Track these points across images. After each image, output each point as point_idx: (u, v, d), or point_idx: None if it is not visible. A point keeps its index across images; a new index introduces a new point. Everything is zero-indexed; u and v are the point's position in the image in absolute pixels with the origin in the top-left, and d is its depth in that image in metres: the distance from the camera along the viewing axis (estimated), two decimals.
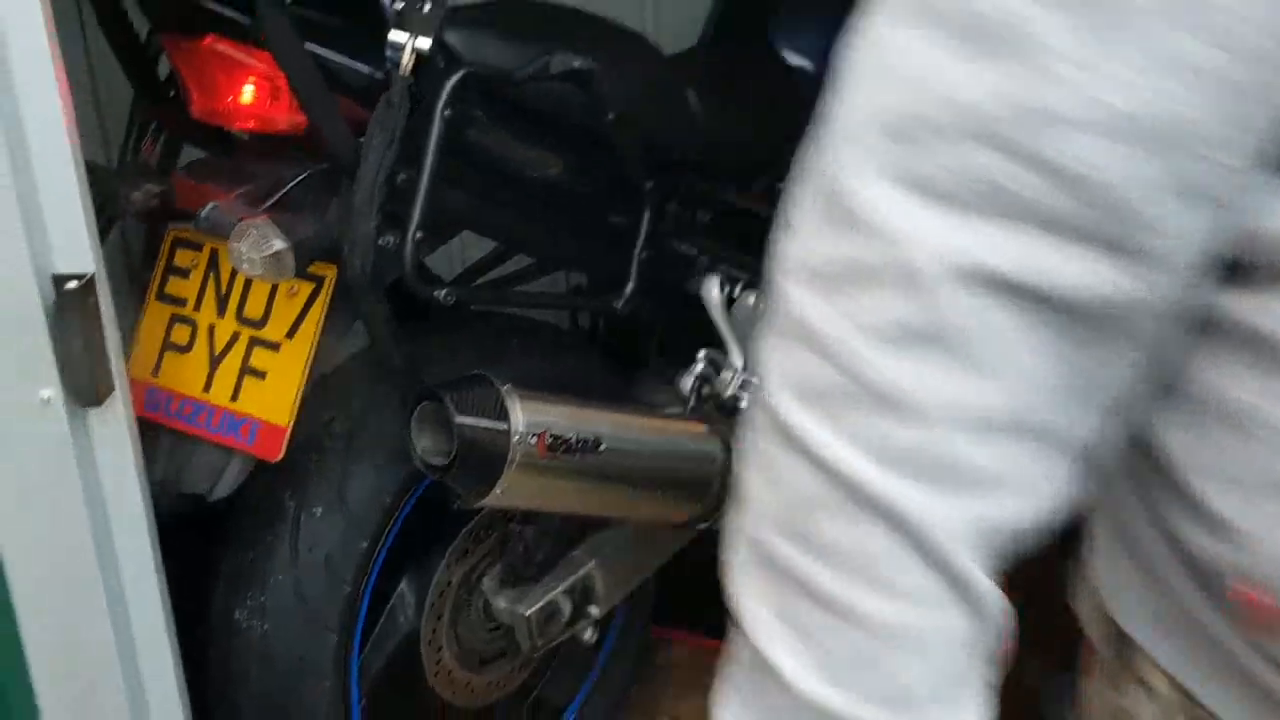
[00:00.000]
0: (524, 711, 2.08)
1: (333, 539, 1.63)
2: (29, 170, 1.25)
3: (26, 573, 1.37)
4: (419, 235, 1.46)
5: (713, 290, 1.92)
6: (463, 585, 1.85)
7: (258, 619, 1.64)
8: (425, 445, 1.53)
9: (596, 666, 2.13)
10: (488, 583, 1.87)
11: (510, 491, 1.54)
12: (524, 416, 1.52)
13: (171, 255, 1.64)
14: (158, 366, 1.62)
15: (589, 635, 1.94)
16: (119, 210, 1.56)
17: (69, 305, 1.28)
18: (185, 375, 1.60)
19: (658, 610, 2.28)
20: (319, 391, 1.68)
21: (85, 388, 1.31)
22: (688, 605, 2.42)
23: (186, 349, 1.61)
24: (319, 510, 1.63)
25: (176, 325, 1.62)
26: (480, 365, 1.60)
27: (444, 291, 1.53)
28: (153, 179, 1.57)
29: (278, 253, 1.39)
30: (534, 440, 1.53)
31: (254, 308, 1.57)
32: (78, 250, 1.28)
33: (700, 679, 2.38)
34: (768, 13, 2.17)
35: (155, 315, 1.63)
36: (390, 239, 1.46)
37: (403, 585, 1.82)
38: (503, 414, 1.51)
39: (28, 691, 1.42)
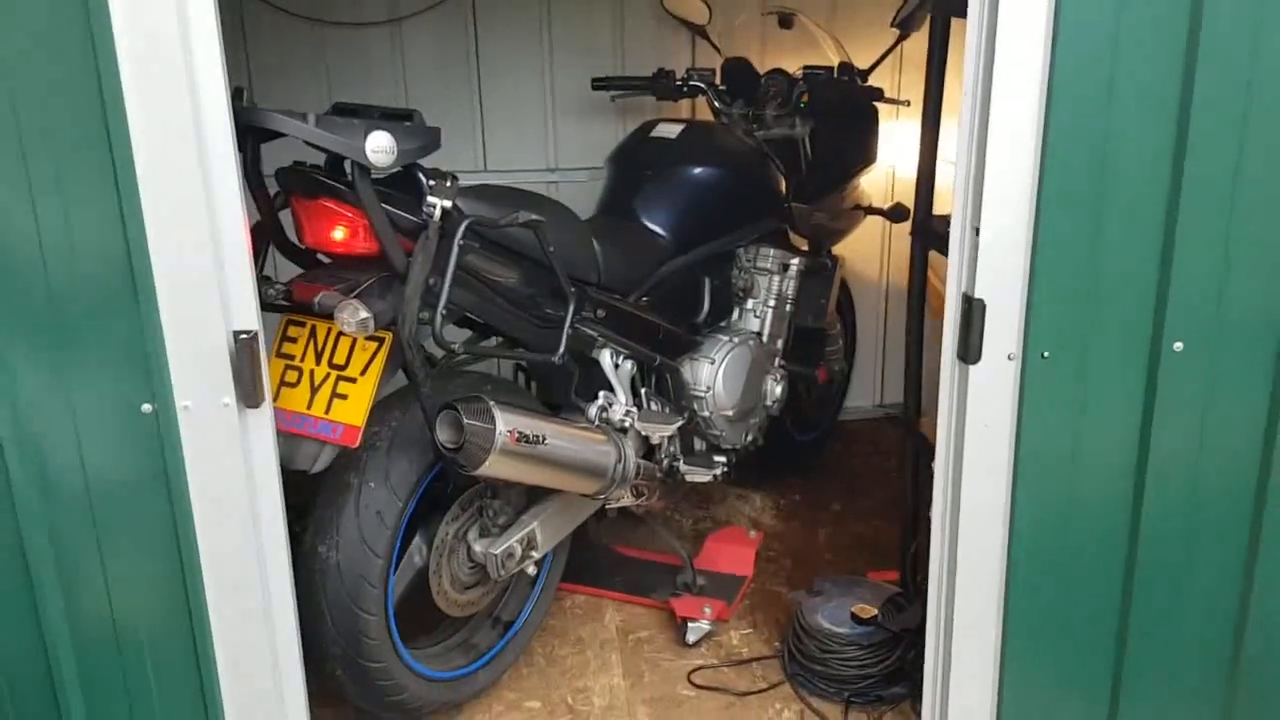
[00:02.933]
0: (490, 623, 2.29)
1: (381, 500, 1.86)
2: (224, 273, 1.51)
3: (206, 513, 1.58)
4: (443, 314, 1.75)
5: (606, 358, 2.24)
6: (454, 536, 2.07)
7: (334, 551, 1.85)
8: (444, 437, 1.79)
9: (532, 598, 2.33)
10: (470, 534, 2.09)
11: (493, 466, 1.80)
12: (503, 420, 1.80)
13: (285, 330, 1.89)
14: (277, 396, 1.84)
15: (532, 569, 2.18)
16: (262, 300, 1.79)
17: (242, 348, 1.54)
18: (295, 400, 1.83)
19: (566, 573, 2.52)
20: (373, 413, 1.94)
21: (250, 397, 1.56)
22: (583, 570, 2.69)
23: (295, 385, 1.84)
24: (373, 484, 1.87)
25: (288, 371, 1.85)
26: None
27: (457, 346, 1.81)
28: (278, 283, 1.82)
29: (364, 319, 1.67)
30: (508, 433, 1.80)
31: (339, 357, 1.81)
32: (248, 317, 1.54)
33: (593, 614, 2.67)
34: (634, 198, 2.47)
35: (276, 366, 1.86)
36: (425, 315, 1.75)
37: (418, 536, 2.03)
38: (491, 418, 1.79)
39: (199, 589, 1.61)
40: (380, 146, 1.63)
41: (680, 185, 2.49)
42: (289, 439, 1.82)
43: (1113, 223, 1.62)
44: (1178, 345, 1.68)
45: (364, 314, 1.65)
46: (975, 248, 1.66)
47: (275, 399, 1.84)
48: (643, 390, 2.37)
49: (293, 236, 1.90)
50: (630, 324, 2.27)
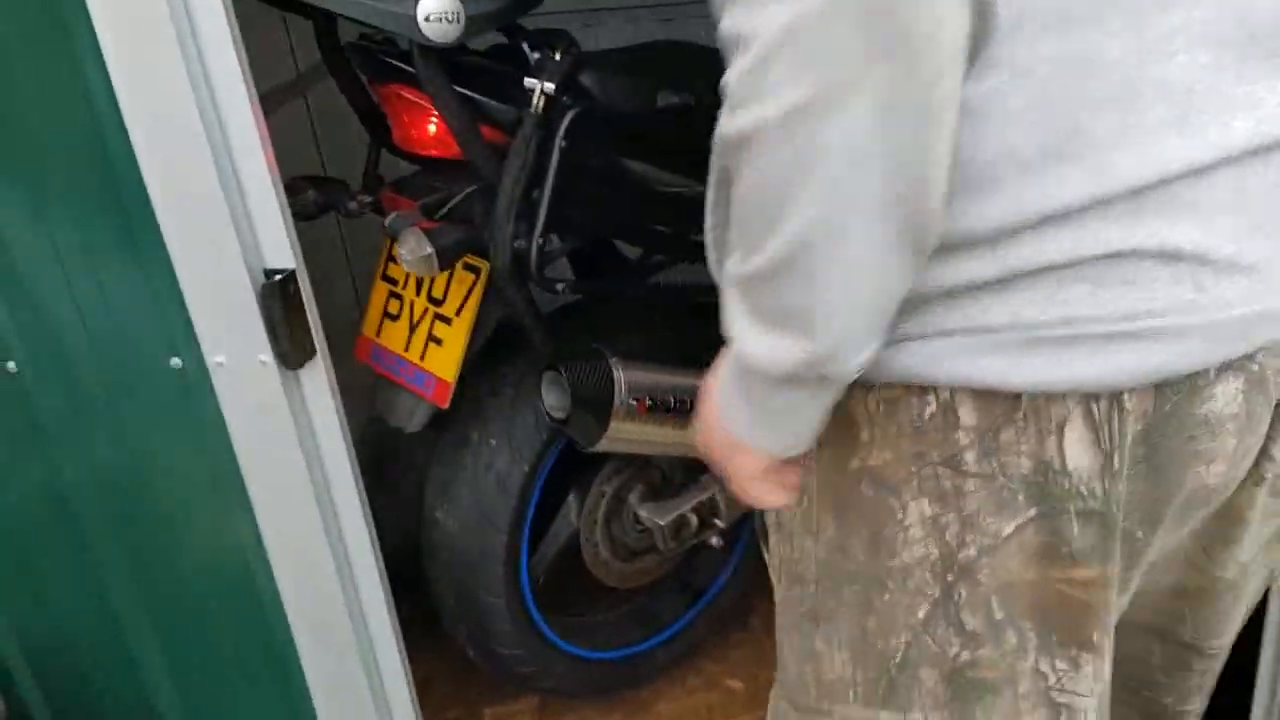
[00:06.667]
0: (675, 590, 1.90)
1: (502, 461, 1.50)
2: (241, 194, 1.15)
3: (260, 484, 1.30)
4: (541, 240, 1.29)
5: None
6: (614, 497, 1.68)
7: (451, 519, 1.54)
8: (551, 401, 1.37)
9: (731, 562, 1.90)
10: (633, 496, 1.68)
11: (615, 440, 1.37)
12: (627, 386, 1.34)
13: (391, 248, 1.53)
14: (379, 329, 1.52)
15: (715, 541, 1.74)
16: (343, 212, 1.46)
17: (270, 292, 1.19)
18: (395, 336, 1.49)
19: None
20: (498, 351, 1.55)
21: (291, 355, 1.23)
22: None
23: (396, 318, 1.50)
24: (494, 440, 1.51)
25: (391, 300, 1.51)
26: (632, 332, 1.43)
27: (561, 286, 1.35)
28: (367, 191, 1.46)
29: (426, 255, 1.25)
30: (635, 403, 1.34)
31: (437, 290, 1.44)
32: (280, 251, 1.19)
33: None
34: None
35: (379, 292, 1.53)
36: (523, 243, 1.30)
37: (570, 497, 1.66)
38: (609, 383, 1.33)
39: (266, 566, 1.36)
40: (437, 11, 1.15)
41: None
42: (388, 386, 1.48)
43: None
44: None
45: (426, 249, 1.23)
46: None
47: (377, 334, 1.51)
48: None
49: None
50: None
